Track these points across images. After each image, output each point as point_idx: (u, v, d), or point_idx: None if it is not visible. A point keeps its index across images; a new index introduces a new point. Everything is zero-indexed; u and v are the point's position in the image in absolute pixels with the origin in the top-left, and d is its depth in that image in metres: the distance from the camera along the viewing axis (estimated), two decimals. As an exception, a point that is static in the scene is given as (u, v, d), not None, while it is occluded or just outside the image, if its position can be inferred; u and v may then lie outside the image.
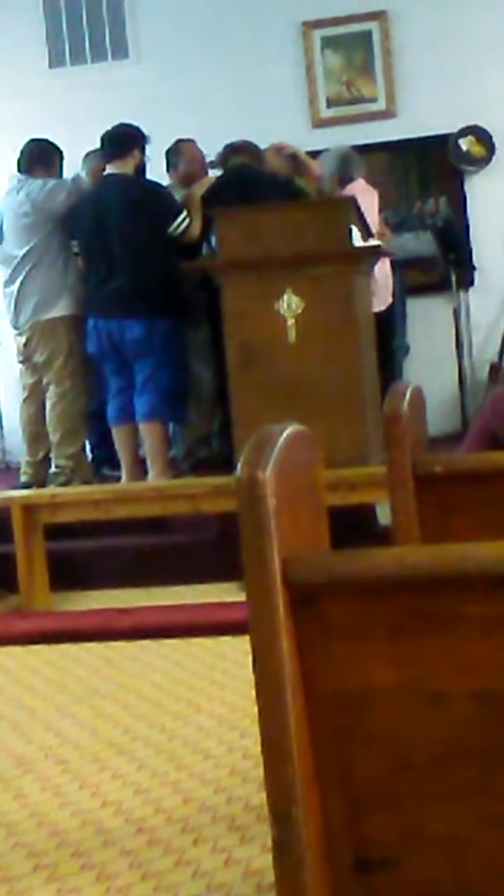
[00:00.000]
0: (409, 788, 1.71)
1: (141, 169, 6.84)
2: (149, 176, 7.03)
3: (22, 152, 7.04)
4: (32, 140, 7.10)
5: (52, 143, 7.08)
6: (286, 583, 1.64)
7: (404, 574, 1.65)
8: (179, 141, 7.57)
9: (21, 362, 7.07)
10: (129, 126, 6.79)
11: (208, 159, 7.38)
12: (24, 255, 6.84)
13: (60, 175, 7.04)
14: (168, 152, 7.55)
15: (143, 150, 6.78)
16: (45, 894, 3.02)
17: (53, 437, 6.92)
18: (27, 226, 6.84)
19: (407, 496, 2.59)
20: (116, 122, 6.83)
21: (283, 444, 1.68)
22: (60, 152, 7.08)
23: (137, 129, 6.78)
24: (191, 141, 7.56)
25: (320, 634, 1.68)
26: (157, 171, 7.30)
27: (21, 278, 6.86)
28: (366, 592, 1.67)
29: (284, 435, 1.70)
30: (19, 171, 7.00)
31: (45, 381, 6.95)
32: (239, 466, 1.64)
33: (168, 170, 7.55)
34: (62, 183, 6.92)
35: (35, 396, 7.05)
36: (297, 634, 1.67)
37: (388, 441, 2.56)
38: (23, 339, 6.95)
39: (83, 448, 7.19)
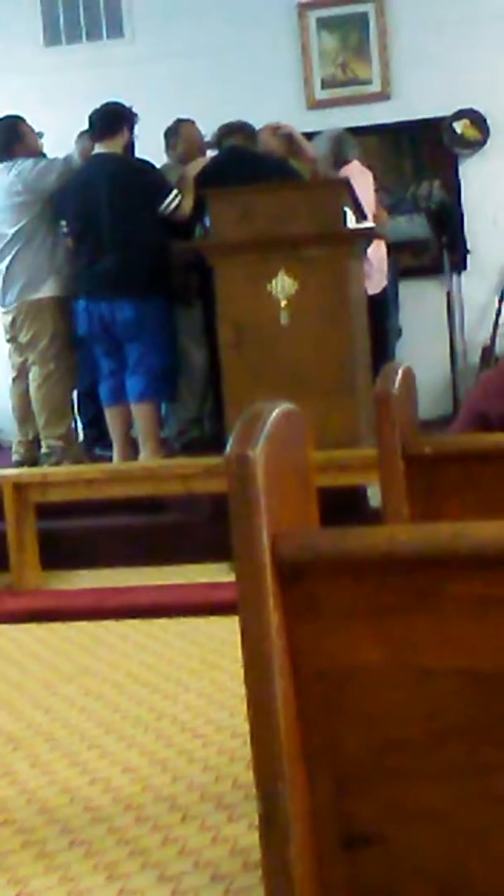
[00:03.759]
0: (395, 765, 1.72)
1: (130, 148, 6.82)
2: (147, 155, 7.00)
3: None
4: None
5: (14, 117, 7.03)
6: (275, 560, 1.65)
7: (393, 553, 1.65)
8: (179, 121, 7.56)
9: (8, 341, 7.07)
10: (118, 105, 6.76)
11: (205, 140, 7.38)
12: (14, 235, 6.82)
13: (38, 143, 7.01)
14: (167, 132, 7.54)
15: (131, 128, 6.76)
16: (33, 871, 3.04)
17: (39, 419, 6.91)
18: (18, 205, 6.82)
19: (396, 476, 2.59)
20: (106, 101, 6.81)
21: (272, 422, 1.68)
22: (24, 121, 7.03)
23: (126, 108, 6.75)
24: (190, 121, 7.55)
25: (308, 612, 1.69)
26: (155, 150, 7.28)
27: (10, 257, 6.84)
28: (354, 571, 1.67)
29: (274, 414, 1.70)
30: None
31: (29, 361, 6.93)
32: (229, 445, 1.65)
33: (166, 149, 7.54)
34: (54, 162, 6.90)
35: (24, 376, 7.04)
36: (286, 612, 1.68)
37: (377, 421, 2.57)
38: (9, 318, 6.94)
39: (72, 428, 7.19)
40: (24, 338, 6.91)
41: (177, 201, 6.65)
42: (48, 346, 6.86)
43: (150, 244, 6.63)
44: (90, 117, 6.75)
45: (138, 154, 6.94)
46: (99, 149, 6.72)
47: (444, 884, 1.74)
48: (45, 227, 6.85)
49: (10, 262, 6.84)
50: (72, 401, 7.08)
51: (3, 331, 7.12)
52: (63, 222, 6.91)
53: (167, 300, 6.81)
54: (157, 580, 6.00)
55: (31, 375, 6.92)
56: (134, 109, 6.76)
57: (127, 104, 6.77)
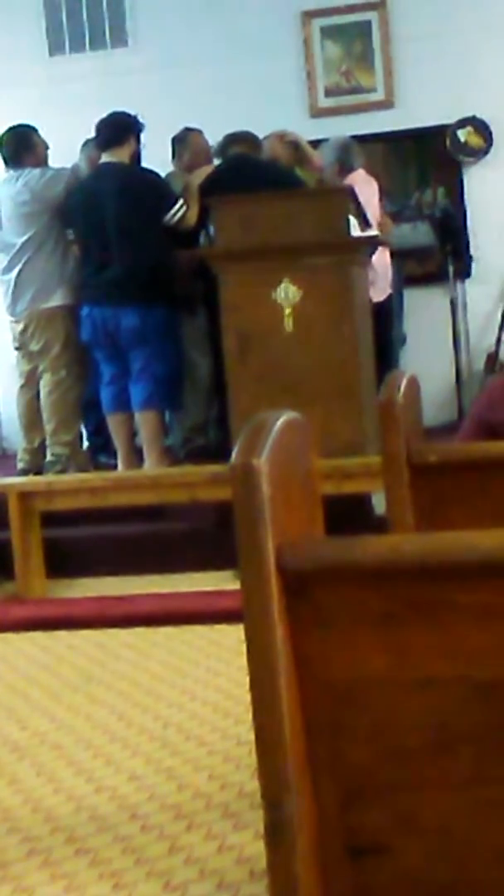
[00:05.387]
0: (401, 775, 1.72)
1: (136, 157, 6.83)
2: (150, 163, 7.01)
3: (2, 144, 7.01)
4: (9, 129, 7.07)
5: (28, 126, 7.06)
6: (280, 569, 1.65)
7: (398, 562, 1.65)
8: (187, 129, 7.57)
9: (17, 349, 7.08)
10: (124, 114, 6.77)
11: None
12: (23, 244, 6.84)
13: (46, 154, 7.03)
14: (174, 140, 7.55)
15: (138, 138, 6.77)
16: (38, 879, 3.04)
17: (48, 426, 6.93)
18: (26, 214, 6.84)
19: (401, 485, 2.59)
20: (111, 111, 6.82)
21: (277, 431, 1.68)
22: (37, 132, 7.06)
23: (132, 117, 6.76)
24: (198, 131, 7.56)
25: (314, 621, 1.69)
26: (160, 159, 7.29)
27: (19, 266, 6.86)
28: (359, 580, 1.67)
29: (279, 422, 1.70)
30: (6, 163, 6.98)
31: (40, 369, 6.95)
32: (234, 454, 1.65)
33: (172, 158, 7.55)
34: (61, 172, 6.92)
35: (31, 384, 7.05)
36: (291, 621, 1.68)
37: (382, 429, 2.57)
38: (19, 327, 6.95)
39: (79, 436, 7.20)
40: (35, 346, 6.92)
41: (182, 211, 6.66)
42: (60, 353, 6.88)
43: (156, 253, 6.64)
44: (97, 126, 6.76)
45: (142, 163, 6.95)
46: (106, 158, 6.74)
47: (449, 893, 1.74)
48: (54, 236, 6.87)
49: (20, 271, 6.85)
50: (81, 409, 7.09)
51: (11, 339, 7.12)
52: (70, 230, 6.92)
53: (171, 308, 6.81)
54: (162, 588, 6.00)
55: (42, 382, 6.94)
56: (140, 119, 6.77)
57: (133, 113, 6.78)
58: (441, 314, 8.41)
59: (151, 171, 6.92)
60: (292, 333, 6.09)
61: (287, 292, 6.08)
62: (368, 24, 8.72)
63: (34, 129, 7.05)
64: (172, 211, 6.64)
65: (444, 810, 1.71)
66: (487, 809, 1.70)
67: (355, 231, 6.20)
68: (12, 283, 6.91)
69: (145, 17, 8.95)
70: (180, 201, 6.69)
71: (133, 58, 8.97)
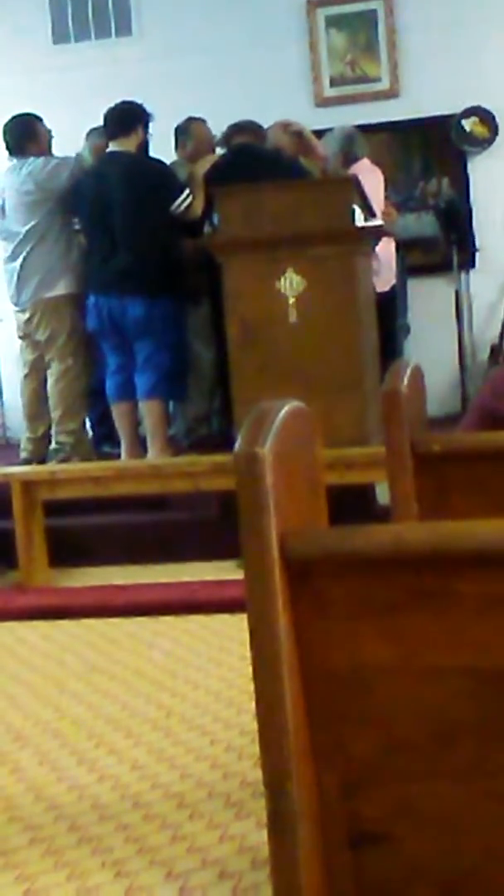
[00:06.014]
0: (403, 764, 1.72)
1: (144, 147, 6.82)
2: (154, 153, 7.00)
3: (6, 132, 7.00)
4: (13, 118, 7.04)
5: (31, 115, 7.05)
6: (283, 558, 1.65)
7: (401, 551, 1.65)
8: (190, 119, 7.55)
9: (21, 338, 7.07)
10: (133, 104, 6.77)
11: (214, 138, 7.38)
12: (27, 233, 6.83)
13: (50, 142, 7.03)
14: (177, 130, 7.54)
15: (146, 127, 6.76)
16: (41, 867, 3.04)
17: (55, 414, 6.93)
18: (29, 203, 6.83)
19: (405, 474, 2.59)
20: (119, 100, 6.81)
21: (281, 420, 1.68)
22: (41, 120, 7.05)
23: (141, 107, 6.76)
24: (201, 120, 7.54)
25: (317, 610, 1.69)
26: (162, 148, 7.28)
27: (23, 255, 6.85)
28: (362, 569, 1.67)
29: (283, 412, 1.70)
30: (10, 152, 6.97)
31: (47, 358, 6.95)
32: (237, 443, 1.65)
33: (176, 147, 7.54)
34: (65, 161, 6.91)
35: (36, 373, 7.05)
36: (294, 610, 1.68)
37: (386, 419, 2.57)
38: (24, 316, 6.95)
39: (83, 425, 7.20)
40: (41, 335, 6.91)
41: (189, 200, 6.66)
42: (66, 342, 6.88)
43: (162, 243, 6.64)
44: (105, 115, 6.76)
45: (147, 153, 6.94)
46: (113, 147, 6.73)
47: (450, 883, 1.74)
48: (58, 225, 6.85)
49: (24, 260, 6.85)
50: (86, 397, 7.08)
51: (15, 328, 7.12)
52: (76, 219, 6.91)
53: (177, 298, 6.81)
54: (165, 577, 6.00)
55: (49, 371, 6.94)
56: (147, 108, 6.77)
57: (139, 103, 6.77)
58: (445, 305, 8.40)
59: (159, 161, 6.92)
60: (296, 323, 6.08)
61: (291, 282, 6.08)
62: (374, 13, 8.70)
63: (38, 118, 7.04)
64: (179, 200, 6.64)
65: (446, 800, 1.71)
66: (488, 799, 1.70)
67: (359, 221, 6.19)
68: (16, 273, 6.90)
69: (149, 6, 8.94)
70: (186, 190, 6.68)
71: (137, 47, 8.96)
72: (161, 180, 6.72)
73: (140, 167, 6.70)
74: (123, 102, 6.78)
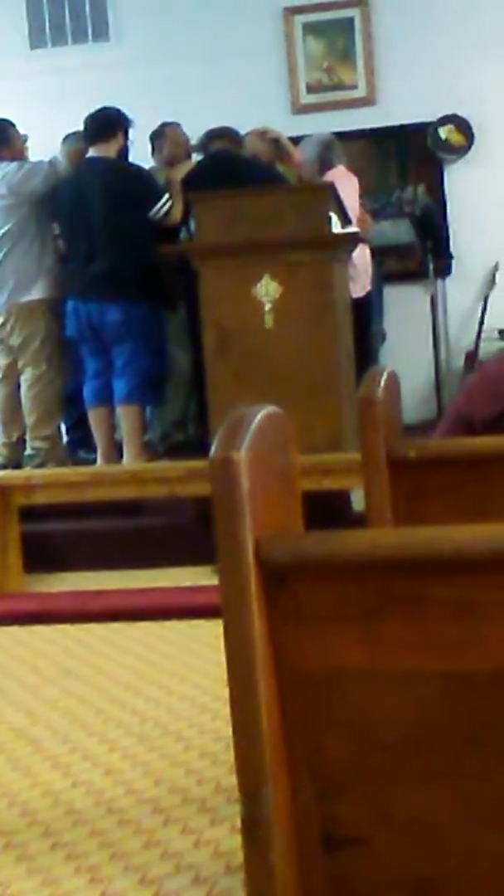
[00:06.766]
0: (378, 769, 1.72)
1: (124, 153, 6.83)
2: (131, 158, 6.99)
3: None
4: None
5: (4, 120, 7.04)
6: (259, 563, 1.65)
7: (376, 556, 1.66)
8: (165, 124, 7.57)
9: (-5, 344, 7.06)
10: (113, 110, 6.77)
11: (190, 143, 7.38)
12: (1, 237, 6.82)
13: (23, 148, 7.02)
14: (153, 135, 7.55)
15: (126, 133, 6.77)
16: (14, 873, 3.03)
17: (29, 420, 6.92)
18: (3, 208, 6.82)
19: (380, 480, 2.60)
20: (98, 105, 6.82)
21: (257, 425, 1.68)
22: (14, 125, 7.04)
23: (121, 113, 6.76)
24: (176, 125, 7.56)
25: (292, 615, 1.69)
26: (139, 154, 7.28)
27: (-3, 260, 6.84)
28: (337, 574, 1.68)
29: (259, 417, 1.70)
30: None
31: (20, 363, 6.94)
32: (213, 448, 1.65)
33: (152, 153, 7.54)
34: (39, 166, 6.90)
35: (10, 378, 7.04)
36: (269, 615, 1.68)
37: (362, 425, 2.57)
38: (-1, 321, 6.94)
39: (59, 430, 7.19)
40: (15, 340, 6.90)
41: (168, 206, 6.66)
42: (40, 347, 6.87)
43: (142, 248, 6.64)
44: (85, 121, 6.76)
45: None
46: (92, 152, 6.73)
47: (425, 887, 1.74)
48: (33, 230, 6.84)
49: (-1, 264, 6.84)
50: (61, 403, 7.07)
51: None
52: (55, 224, 6.90)
53: (156, 303, 6.81)
54: (141, 583, 5.99)
55: (23, 377, 6.93)
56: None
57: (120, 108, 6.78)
58: (421, 311, 8.43)
59: (138, 166, 6.93)
60: (272, 329, 6.09)
61: (267, 288, 6.09)
62: (350, 20, 8.73)
63: (11, 123, 7.04)
64: (159, 205, 6.64)
65: (421, 803, 1.72)
66: (463, 803, 1.70)
67: (336, 228, 6.20)
68: (-10, 277, 6.89)
69: (127, 12, 8.94)
70: (166, 196, 6.69)
71: (115, 52, 8.96)
72: (140, 185, 6.72)
73: (119, 172, 6.70)
74: (104, 108, 6.79)
